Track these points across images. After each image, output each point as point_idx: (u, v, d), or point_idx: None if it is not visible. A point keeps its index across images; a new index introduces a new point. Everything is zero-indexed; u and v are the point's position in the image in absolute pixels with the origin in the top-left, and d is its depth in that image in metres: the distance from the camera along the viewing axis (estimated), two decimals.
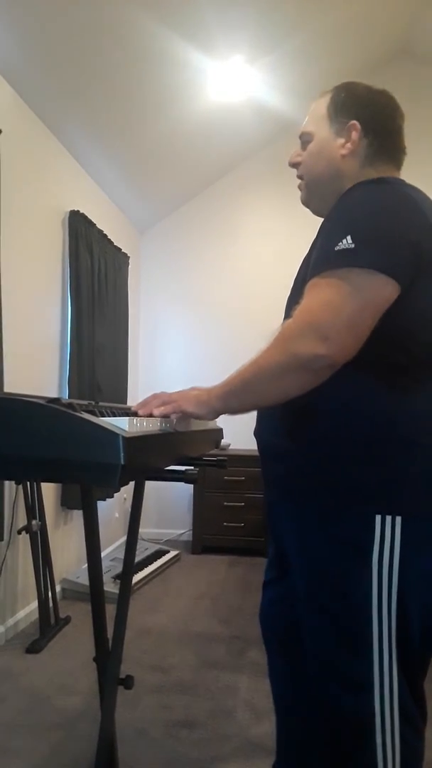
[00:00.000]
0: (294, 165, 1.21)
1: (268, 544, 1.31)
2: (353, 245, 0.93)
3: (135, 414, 1.01)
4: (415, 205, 0.98)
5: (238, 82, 3.38)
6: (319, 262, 0.99)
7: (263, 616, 1.31)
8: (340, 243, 0.94)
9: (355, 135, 1.11)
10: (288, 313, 1.06)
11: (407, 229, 0.96)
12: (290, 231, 4.17)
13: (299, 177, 1.21)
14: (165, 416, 1.02)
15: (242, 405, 1.02)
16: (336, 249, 0.95)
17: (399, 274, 0.94)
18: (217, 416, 1.06)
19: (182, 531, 4.43)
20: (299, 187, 1.23)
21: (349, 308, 0.92)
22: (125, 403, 4.02)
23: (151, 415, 1.00)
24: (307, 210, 1.24)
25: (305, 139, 1.18)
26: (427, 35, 3.96)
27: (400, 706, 0.98)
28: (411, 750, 1.00)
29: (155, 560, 3.61)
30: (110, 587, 2.88)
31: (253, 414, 1.18)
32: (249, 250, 4.51)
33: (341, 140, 1.13)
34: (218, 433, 1.50)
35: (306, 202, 1.23)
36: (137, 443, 0.79)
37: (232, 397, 1.00)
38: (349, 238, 0.94)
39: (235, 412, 1.03)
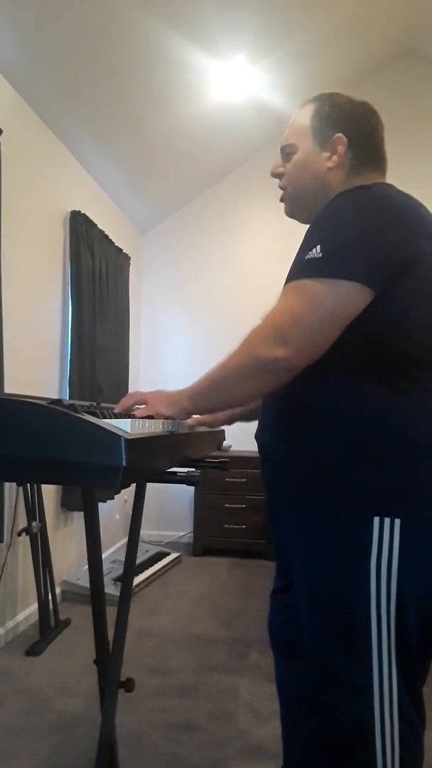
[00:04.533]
0: (276, 176, 1.22)
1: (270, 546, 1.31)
2: (320, 255, 0.96)
3: (132, 416, 1.01)
4: (394, 207, 0.99)
5: (239, 82, 3.38)
6: (292, 270, 1.02)
7: (270, 624, 1.32)
8: (311, 252, 0.97)
9: (341, 149, 1.13)
10: None
11: (381, 233, 0.96)
12: (292, 232, 4.15)
13: (281, 188, 1.22)
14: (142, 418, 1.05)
15: (210, 404, 1.07)
16: (306, 258, 0.98)
17: (370, 280, 0.94)
18: (188, 416, 1.10)
19: (183, 533, 4.42)
20: (282, 199, 1.23)
21: (308, 317, 0.94)
22: None
23: (132, 415, 1.04)
24: None
25: (288, 150, 1.19)
26: (430, 34, 3.96)
27: (400, 710, 0.98)
28: (410, 754, 1.00)
29: (156, 562, 3.61)
30: (111, 589, 2.87)
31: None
32: (251, 250, 4.50)
33: (327, 153, 1.14)
34: (220, 434, 1.50)
35: (291, 214, 1.24)
36: (139, 445, 0.78)
37: (201, 397, 1.05)
38: (318, 247, 0.96)
39: (205, 411, 1.09)
